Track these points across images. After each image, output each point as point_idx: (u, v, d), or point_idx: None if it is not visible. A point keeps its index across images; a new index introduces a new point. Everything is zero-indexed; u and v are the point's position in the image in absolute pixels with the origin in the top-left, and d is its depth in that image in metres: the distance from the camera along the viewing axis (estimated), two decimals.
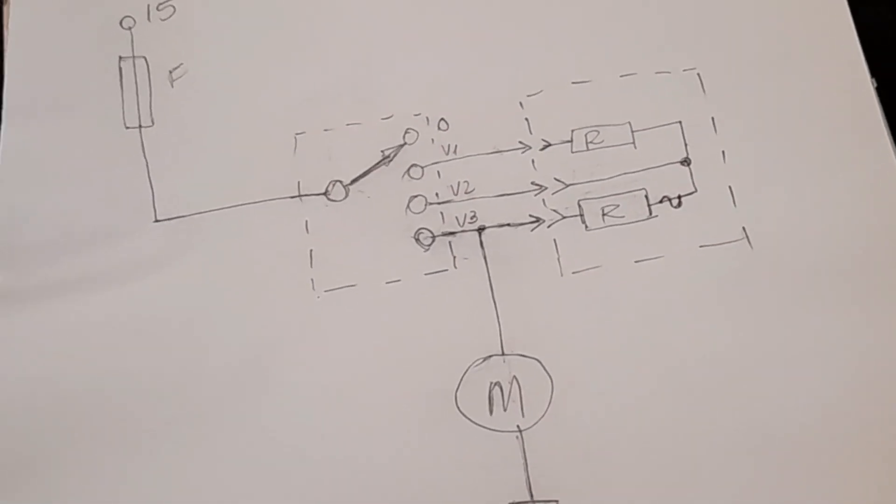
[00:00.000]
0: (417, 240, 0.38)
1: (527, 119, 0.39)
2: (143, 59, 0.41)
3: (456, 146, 0.39)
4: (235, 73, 0.41)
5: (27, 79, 0.40)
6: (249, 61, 0.41)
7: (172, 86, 0.40)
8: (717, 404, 0.35)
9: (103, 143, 0.39)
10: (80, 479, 0.35)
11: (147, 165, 0.39)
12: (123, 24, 0.41)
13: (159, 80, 0.41)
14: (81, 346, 0.36)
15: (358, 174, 0.39)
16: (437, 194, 0.38)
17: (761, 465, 0.34)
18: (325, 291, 0.37)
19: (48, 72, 0.40)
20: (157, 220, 0.38)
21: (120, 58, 0.41)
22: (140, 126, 0.40)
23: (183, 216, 0.38)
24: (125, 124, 0.40)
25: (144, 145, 0.39)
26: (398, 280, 0.37)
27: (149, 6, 0.42)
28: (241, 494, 0.35)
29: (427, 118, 0.40)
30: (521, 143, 0.39)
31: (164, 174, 0.39)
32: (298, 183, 0.39)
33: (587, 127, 0.39)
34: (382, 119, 0.40)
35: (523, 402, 0.35)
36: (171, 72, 0.41)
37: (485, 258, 0.37)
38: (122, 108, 0.40)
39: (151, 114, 0.40)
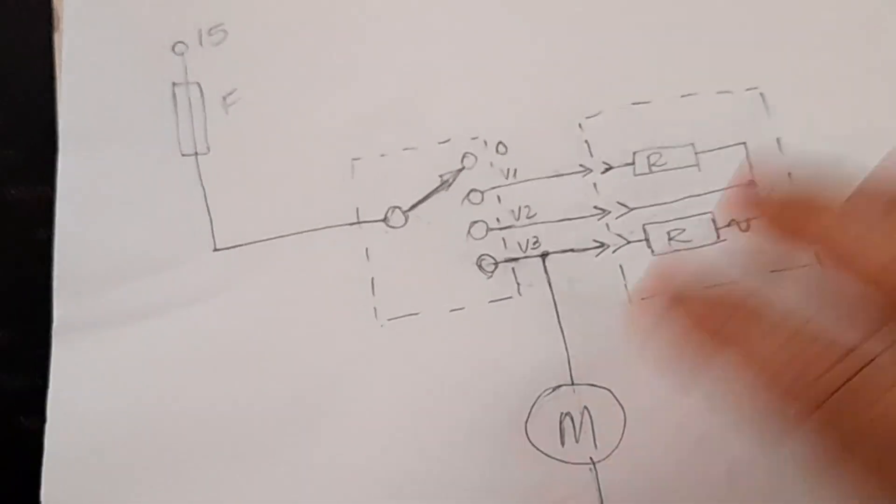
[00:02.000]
0: (480, 266, 0.37)
1: (587, 141, 0.39)
2: (196, 85, 0.40)
3: (515, 170, 0.39)
4: (289, 99, 0.40)
5: (82, 107, 0.40)
6: (303, 86, 0.41)
7: (227, 112, 0.40)
8: (791, 437, 0.34)
9: (160, 170, 0.39)
10: None
11: (205, 193, 0.38)
12: (176, 49, 0.41)
13: (213, 107, 0.40)
14: (142, 376, 0.36)
15: (416, 200, 0.38)
16: (497, 219, 0.38)
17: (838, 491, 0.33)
18: (389, 320, 0.36)
19: (102, 100, 0.40)
20: (216, 249, 0.38)
21: (174, 84, 0.40)
22: (196, 153, 0.39)
23: (242, 245, 0.38)
24: (181, 152, 0.39)
25: (201, 173, 0.39)
26: (462, 308, 0.36)
27: (200, 31, 0.41)
28: None
29: (485, 141, 0.39)
30: (581, 166, 0.38)
31: (222, 202, 0.38)
32: (357, 209, 0.38)
33: (649, 149, 0.39)
34: (439, 143, 0.39)
35: (595, 433, 0.34)
36: (224, 98, 0.40)
37: (549, 284, 0.37)
38: (178, 135, 0.40)
39: (207, 140, 0.39)
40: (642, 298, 0.36)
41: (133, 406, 0.35)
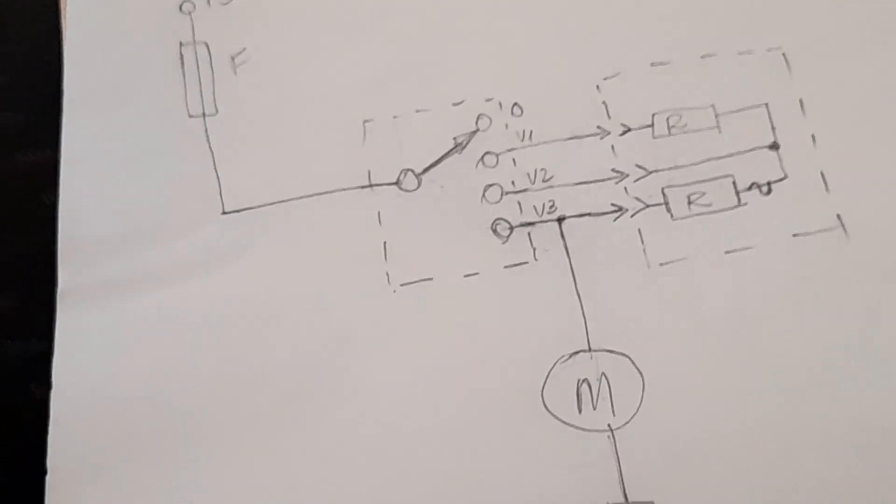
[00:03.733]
0: (495, 231, 0.36)
1: (604, 103, 0.38)
2: (204, 45, 0.39)
3: (531, 132, 0.38)
4: (300, 59, 0.39)
5: (86, 69, 0.39)
6: (314, 46, 0.40)
7: (235, 72, 0.39)
8: (816, 401, 0.33)
9: (167, 132, 0.38)
10: (150, 479, 0.34)
11: (213, 155, 0.38)
12: (183, 8, 0.40)
13: (222, 67, 0.39)
14: (149, 343, 0.35)
15: (430, 163, 0.37)
16: (513, 183, 0.37)
17: (863, 464, 0.32)
18: (401, 286, 0.36)
19: (107, 61, 0.39)
20: (224, 213, 0.37)
21: (181, 44, 0.40)
22: (204, 114, 0.38)
23: (251, 208, 0.37)
24: (189, 113, 0.38)
25: (209, 134, 0.38)
26: (476, 273, 0.36)
27: None
28: (314, 494, 0.33)
29: (500, 103, 0.38)
30: (599, 128, 0.37)
31: (231, 164, 0.38)
32: (369, 172, 0.37)
33: (668, 110, 0.38)
34: (453, 105, 0.38)
35: (613, 400, 0.34)
36: (233, 58, 0.39)
37: (566, 249, 0.36)
38: (185, 96, 0.39)
39: (215, 101, 0.39)
40: (661, 263, 0.35)
41: (139, 373, 0.35)
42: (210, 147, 0.38)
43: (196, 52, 0.39)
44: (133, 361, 0.35)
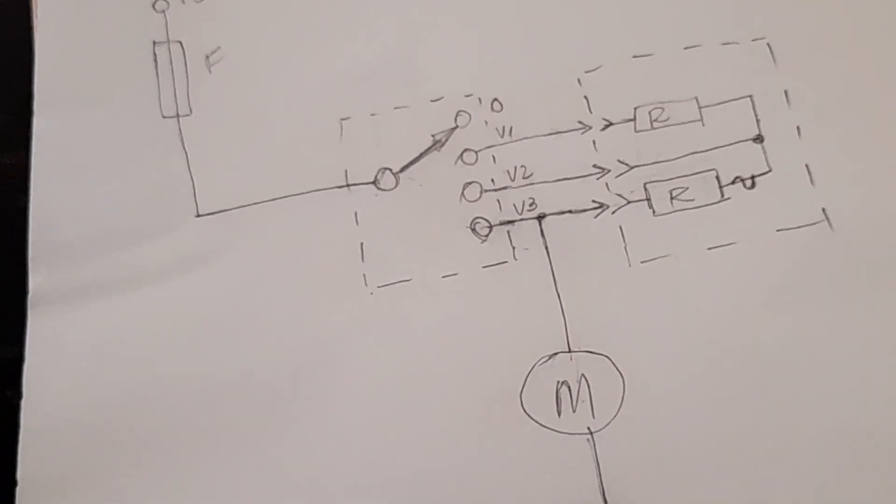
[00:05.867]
0: (474, 230, 0.36)
1: (586, 97, 0.37)
2: (178, 44, 0.39)
3: (511, 128, 0.37)
4: (275, 57, 0.39)
5: (58, 68, 0.38)
6: (289, 44, 0.39)
7: (210, 71, 0.38)
8: (800, 400, 0.33)
9: (140, 133, 0.37)
10: (126, 488, 0.33)
11: (187, 156, 0.37)
12: (157, 7, 0.39)
13: (196, 66, 0.39)
14: (123, 348, 0.35)
15: (408, 161, 0.37)
16: (492, 180, 0.36)
17: (848, 464, 0.32)
18: (379, 287, 0.35)
19: (79, 60, 0.39)
20: (199, 215, 0.36)
21: (154, 43, 0.39)
22: (178, 115, 0.38)
23: (226, 210, 0.36)
24: (162, 113, 0.38)
25: (183, 135, 0.37)
26: (455, 274, 0.35)
27: None
28: (295, 497, 0.33)
29: (479, 99, 0.37)
30: (580, 123, 0.37)
31: (205, 166, 0.37)
32: (346, 171, 0.37)
33: (651, 104, 0.37)
34: (432, 101, 0.37)
35: (593, 402, 0.33)
36: (208, 56, 0.39)
37: (546, 248, 0.35)
38: (159, 96, 0.38)
39: (189, 101, 0.38)
40: (642, 261, 0.34)
41: (113, 379, 0.34)
42: (184, 148, 0.37)
43: (170, 51, 0.39)
44: (107, 367, 0.34)
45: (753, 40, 0.37)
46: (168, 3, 0.39)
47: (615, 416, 0.33)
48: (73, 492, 0.33)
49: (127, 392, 0.34)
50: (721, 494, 0.32)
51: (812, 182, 0.35)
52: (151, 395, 0.34)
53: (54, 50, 0.38)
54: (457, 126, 0.37)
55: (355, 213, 0.36)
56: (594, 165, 0.36)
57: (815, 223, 0.35)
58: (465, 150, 0.37)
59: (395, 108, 0.37)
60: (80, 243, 0.36)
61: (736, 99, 0.37)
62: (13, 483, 0.33)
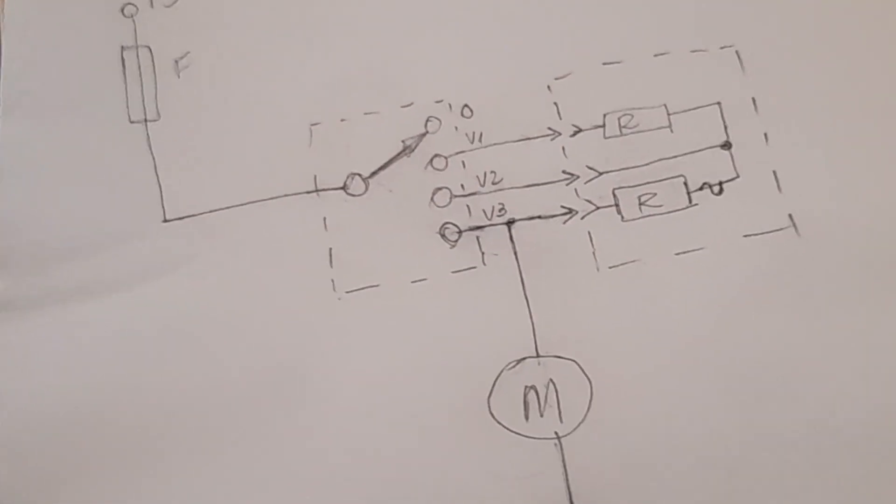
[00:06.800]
0: (443, 235, 0.35)
1: (556, 103, 0.37)
2: (146, 49, 0.38)
3: (481, 134, 0.37)
4: (244, 63, 0.39)
5: (24, 73, 0.38)
6: (259, 49, 0.39)
7: (179, 76, 0.38)
8: (768, 405, 0.33)
9: (107, 139, 0.37)
10: (97, 497, 0.33)
11: (154, 162, 0.37)
12: (125, 11, 0.39)
13: (165, 71, 0.38)
14: (88, 356, 0.34)
15: (378, 166, 0.37)
16: (462, 186, 0.36)
17: (816, 469, 0.32)
18: (347, 293, 0.35)
19: (46, 65, 0.38)
20: (166, 220, 0.36)
21: (122, 48, 0.39)
22: (146, 120, 0.37)
23: (193, 215, 0.36)
24: (129, 118, 0.37)
25: (151, 140, 0.37)
26: (424, 279, 0.35)
27: None
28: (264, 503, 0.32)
29: (450, 104, 0.37)
30: (550, 129, 0.37)
31: (173, 171, 0.37)
32: (315, 177, 0.36)
33: (620, 110, 0.37)
34: (402, 107, 0.37)
35: (561, 407, 0.33)
36: (177, 62, 0.38)
37: (515, 253, 0.35)
38: (126, 101, 0.38)
39: (157, 107, 0.38)
40: (610, 266, 0.34)
41: (79, 387, 0.34)
42: (152, 153, 0.37)
43: (138, 56, 0.38)
44: (74, 375, 0.34)
45: (722, 48, 0.38)
46: (137, 7, 0.39)
47: (582, 420, 0.33)
48: (42, 500, 0.32)
49: (94, 399, 0.34)
50: (688, 499, 0.32)
51: (779, 188, 0.35)
52: (119, 402, 0.34)
53: (21, 54, 0.38)
54: (427, 132, 0.37)
55: (324, 219, 0.36)
56: (563, 171, 0.36)
57: (781, 229, 0.35)
58: (435, 155, 0.37)
59: (366, 113, 0.37)
60: (46, 249, 0.35)
61: (704, 106, 0.37)
62: None
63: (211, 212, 0.36)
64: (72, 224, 0.36)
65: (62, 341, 0.34)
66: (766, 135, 0.36)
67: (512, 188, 0.36)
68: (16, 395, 0.34)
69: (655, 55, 0.38)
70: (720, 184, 0.36)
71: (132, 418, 0.34)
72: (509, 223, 0.35)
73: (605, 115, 0.37)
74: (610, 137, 0.37)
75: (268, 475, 0.33)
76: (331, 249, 0.35)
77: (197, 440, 0.33)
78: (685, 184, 0.36)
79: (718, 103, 0.37)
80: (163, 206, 0.36)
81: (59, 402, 0.34)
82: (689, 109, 0.37)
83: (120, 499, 0.33)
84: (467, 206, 0.36)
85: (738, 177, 0.36)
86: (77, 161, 0.37)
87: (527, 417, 0.33)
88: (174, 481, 0.33)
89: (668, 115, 0.37)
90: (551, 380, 0.33)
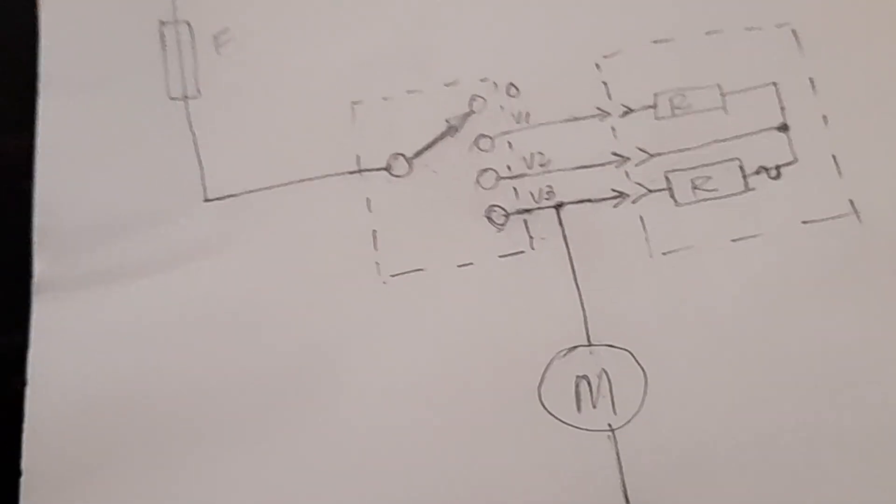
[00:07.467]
0: (489, 218, 0.35)
1: (604, 83, 0.36)
2: (185, 24, 0.38)
3: (528, 114, 0.36)
4: (285, 38, 0.38)
5: (63, 50, 0.37)
6: (300, 24, 0.38)
7: (218, 52, 0.37)
8: (828, 400, 0.32)
9: (147, 116, 0.37)
10: (133, 480, 0.32)
11: (195, 140, 0.36)
12: None
13: (204, 47, 0.38)
14: (130, 337, 0.34)
15: (421, 147, 0.36)
16: (508, 167, 0.35)
17: (880, 467, 0.31)
18: (392, 276, 0.34)
19: (84, 41, 0.38)
20: (207, 200, 0.35)
21: (161, 22, 0.38)
22: (186, 97, 0.37)
23: (235, 195, 0.35)
24: (169, 95, 0.37)
25: (191, 118, 0.36)
26: (470, 263, 0.34)
27: None
28: (305, 494, 0.32)
29: (495, 83, 0.36)
30: (599, 109, 0.36)
31: (214, 149, 0.36)
32: (358, 157, 0.36)
33: (672, 90, 0.36)
34: (446, 85, 0.37)
35: (614, 398, 0.32)
36: (216, 37, 0.38)
37: (564, 238, 0.34)
38: (166, 77, 0.37)
39: (197, 83, 0.37)
40: (664, 253, 0.33)
41: (119, 368, 0.33)
42: (192, 131, 0.36)
43: (177, 32, 0.38)
44: (114, 357, 0.34)
45: (778, 25, 0.37)
46: None
47: (637, 412, 0.32)
48: (78, 482, 0.32)
49: (133, 381, 0.33)
50: (745, 494, 0.31)
51: (839, 173, 0.34)
52: (158, 384, 0.33)
53: (59, 31, 0.38)
54: (472, 111, 0.36)
55: (368, 200, 0.35)
56: (613, 153, 0.35)
57: (842, 215, 0.34)
58: (481, 135, 0.36)
59: (409, 91, 0.37)
60: (86, 229, 0.35)
61: (760, 86, 0.36)
62: (17, 473, 0.32)
63: (252, 191, 0.35)
64: (111, 203, 0.35)
65: (102, 322, 0.34)
66: (824, 117, 0.35)
67: (560, 170, 0.35)
68: (57, 374, 0.33)
69: (707, 33, 0.37)
70: (777, 168, 0.35)
71: (169, 402, 0.33)
72: (558, 206, 0.35)
73: (656, 95, 0.36)
74: (661, 118, 0.36)
75: (310, 460, 0.32)
76: (374, 231, 0.35)
77: (233, 426, 0.33)
78: (741, 167, 0.35)
79: (774, 84, 0.36)
80: (203, 186, 0.35)
81: (98, 384, 0.33)
82: (744, 90, 0.36)
83: (153, 483, 0.32)
84: (514, 188, 0.35)
85: (795, 161, 0.35)
86: (116, 139, 0.36)
87: (579, 408, 0.32)
88: (209, 466, 0.32)
89: (722, 95, 0.36)
90: (604, 369, 0.32)
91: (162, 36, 0.38)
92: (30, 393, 0.33)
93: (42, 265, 0.35)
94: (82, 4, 0.38)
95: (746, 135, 0.35)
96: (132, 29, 0.38)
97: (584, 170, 0.35)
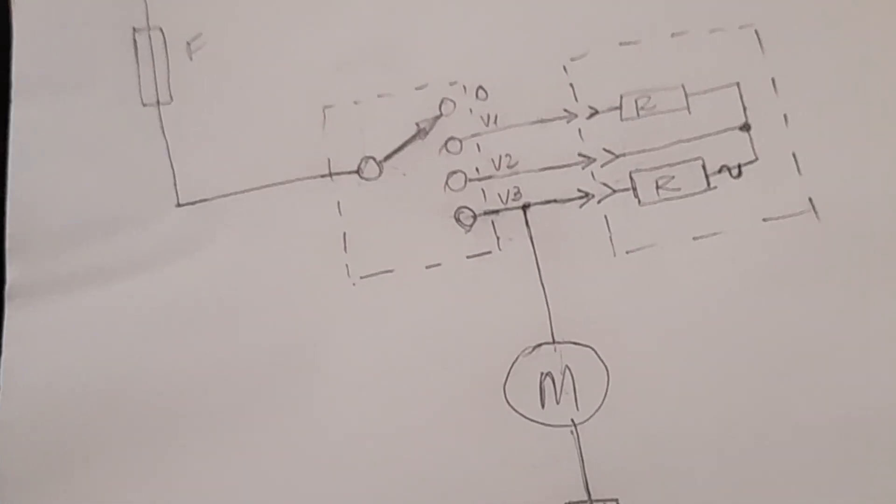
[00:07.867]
0: (458, 220, 0.35)
1: (571, 85, 0.37)
2: (158, 31, 0.38)
3: (496, 116, 0.37)
4: (257, 44, 0.38)
5: (36, 55, 0.38)
6: (272, 31, 0.38)
7: (191, 58, 0.38)
8: (787, 392, 0.32)
9: (119, 121, 0.37)
10: (110, 479, 0.33)
11: (167, 145, 0.37)
12: None
13: (177, 53, 0.38)
14: (102, 340, 0.34)
15: (392, 150, 0.36)
16: (477, 169, 0.36)
17: (838, 457, 0.32)
18: (361, 278, 0.35)
19: (57, 47, 0.38)
20: (179, 205, 0.36)
21: (134, 29, 0.38)
22: (158, 103, 0.37)
23: (207, 199, 0.36)
24: (142, 101, 0.37)
25: (164, 123, 0.37)
26: (438, 264, 0.35)
27: None
28: (277, 488, 0.33)
29: (464, 86, 0.37)
30: (566, 111, 0.36)
31: (186, 154, 0.36)
32: (328, 160, 0.36)
33: (637, 91, 0.36)
34: (416, 89, 0.37)
35: (577, 394, 0.33)
36: (189, 43, 0.38)
37: (531, 238, 0.35)
38: (139, 83, 0.37)
39: (170, 89, 0.37)
40: (627, 251, 0.34)
41: (92, 372, 0.34)
42: (164, 136, 0.37)
43: (150, 38, 0.38)
44: (86, 360, 0.34)
45: (741, 27, 0.37)
46: None
47: (599, 407, 0.33)
48: (51, 486, 0.33)
49: (105, 384, 0.34)
50: (707, 487, 0.31)
51: (799, 171, 0.35)
52: (131, 387, 0.34)
53: (32, 36, 0.38)
54: (441, 114, 0.37)
55: (338, 203, 0.35)
56: (580, 154, 0.36)
57: (801, 212, 0.34)
58: (450, 138, 0.36)
59: (379, 95, 0.37)
60: (59, 234, 0.35)
61: (723, 87, 0.36)
62: None
63: (224, 196, 0.36)
64: (84, 209, 0.36)
65: (77, 326, 0.34)
66: (785, 116, 0.36)
67: (527, 171, 0.36)
68: (32, 381, 0.34)
69: (673, 35, 0.37)
70: (739, 167, 0.35)
71: (145, 401, 0.34)
72: (525, 207, 0.35)
73: (621, 97, 0.36)
74: (627, 119, 0.36)
75: (279, 458, 0.33)
76: (345, 234, 0.35)
77: (209, 423, 0.33)
78: (703, 167, 0.35)
79: (737, 84, 0.36)
80: (176, 191, 0.36)
81: (74, 386, 0.34)
82: (708, 91, 0.36)
83: (134, 479, 0.33)
84: (482, 189, 0.36)
85: (757, 159, 0.35)
86: (89, 145, 0.37)
87: (543, 404, 0.33)
88: (188, 462, 0.33)
89: (686, 96, 0.36)
90: (567, 366, 0.33)
91: (135, 42, 0.38)
92: (2, 397, 0.34)
93: (15, 271, 0.35)
94: (55, 10, 0.38)
95: (709, 135, 0.36)
96: (105, 35, 0.38)
97: (551, 171, 0.36)
